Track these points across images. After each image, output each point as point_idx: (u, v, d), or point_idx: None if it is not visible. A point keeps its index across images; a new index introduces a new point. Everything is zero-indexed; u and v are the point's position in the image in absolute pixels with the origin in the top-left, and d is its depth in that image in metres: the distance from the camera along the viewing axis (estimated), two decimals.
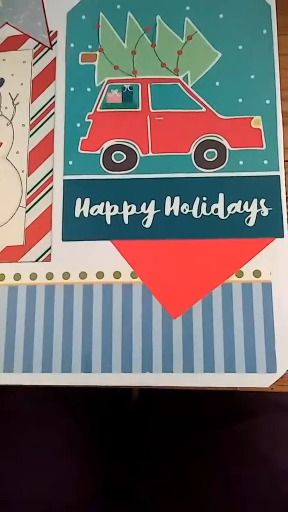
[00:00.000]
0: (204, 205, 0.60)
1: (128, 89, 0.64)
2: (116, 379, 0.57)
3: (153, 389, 0.56)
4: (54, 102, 0.64)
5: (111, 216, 0.60)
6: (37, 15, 0.67)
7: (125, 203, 0.61)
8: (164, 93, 0.63)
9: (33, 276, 0.60)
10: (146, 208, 0.60)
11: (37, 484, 0.59)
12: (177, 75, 0.64)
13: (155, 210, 0.60)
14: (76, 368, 0.57)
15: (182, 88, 0.63)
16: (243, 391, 0.56)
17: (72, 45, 0.66)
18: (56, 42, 0.66)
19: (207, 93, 0.63)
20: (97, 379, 0.57)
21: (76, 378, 0.57)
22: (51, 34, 0.66)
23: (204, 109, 0.63)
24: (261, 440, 0.58)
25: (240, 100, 0.63)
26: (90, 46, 0.65)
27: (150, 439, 0.58)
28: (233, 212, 0.60)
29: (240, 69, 0.63)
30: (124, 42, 0.65)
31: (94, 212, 0.61)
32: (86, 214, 0.61)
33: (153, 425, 0.58)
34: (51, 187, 0.62)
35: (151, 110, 0.63)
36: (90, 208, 0.61)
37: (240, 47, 0.64)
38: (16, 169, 0.63)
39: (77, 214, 0.61)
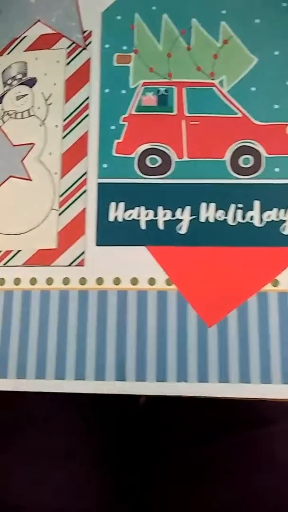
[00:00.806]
0: (239, 212, 0.55)
1: (163, 92, 0.59)
2: (150, 388, 0.52)
3: (186, 398, 0.52)
4: (88, 103, 0.59)
5: (146, 221, 0.56)
6: (71, 14, 0.61)
7: (160, 208, 0.56)
8: (199, 97, 0.58)
9: (66, 281, 0.55)
10: (181, 214, 0.56)
11: (49, 490, 0.55)
12: (213, 79, 0.59)
13: (190, 216, 0.55)
14: (110, 376, 0.53)
15: (218, 93, 0.58)
16: (274, 401, 0.52)
17: (107, 45, 0.60)
18: (90, 42, 0.60)
19: (243, 98, 0.58)
20: (131, 387, 0.52)
21: (110, 386, 0.52)
22: (85, 34, 0.61)
23: (239, 115, 0.58)
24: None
25: (276, 106, 0.58)
26: (125, 48, 0.60)
27: (178, 448, 0.54)
28: (269, 219, 0.55)
29: (276, 74, 0.58)
30: (159, 44, 0.60)
31: (129, 216, 0.56)
32: (120, 219, 0.56)
33: (183, 434, 0.54)
34: (85, 190, 0.57)
35: (186, 114, 0.58)
36: (124, 212, 0.56)
37: (277, 52, 0.59)
38: (48, 171, 0.58)
39: (111, 219, 0.56)
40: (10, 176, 0.58)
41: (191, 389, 0.52)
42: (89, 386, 0.53)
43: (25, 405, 0.55)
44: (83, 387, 0.53)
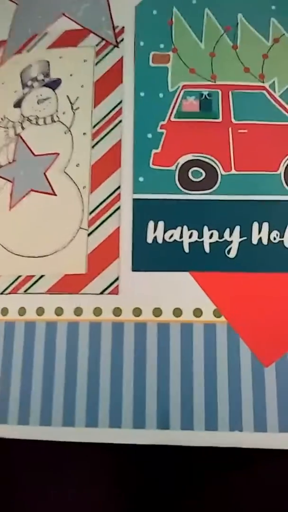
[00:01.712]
0: None
1: (207, 96, 0.53)
2: (199, 438, 0.46)
3: (242, 450, 0.45)
4: (121, 108, 0.53)
5: (190, 243, 0.49)
6: (100, 7, 0.55)
7: (206, 228, 0.50)
8: (248, 102, 0.52)
9: (98, 311, 0.49)
10: (230, 235, 0.49)
11: None
12: (263, 82, 0.53)
13: (240, 237, 0.49)
14: (151, 424, 0.46)
15: (269, 97, 0.52)
16: None
17: (141, 43, 0.54)
18: (122, 39, 0.55)
19: None
20: (175, 437, 0.46)
21: (151, 436, 0.46)
22: (117, 30, 0.55)
23: None
24: None
25: None
26: (162, 46, 0.54)
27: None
28: None
29: None
30: (201, 42, 0.54)
31: (170, 238, 0.50)
32: (160, 240, 0.49)
33: (254, 488, 0.47)
34: (119, 207, 0.51)
35: (234, 121, 0.52)
36: (165, 233, 0.50)
37: None
38: (76, 185, 0.52)
39: (149, 240, 0.50)
40: (32, 190, 0.51)
41: (246, 439, 0.45)
42: (125, 436, 0.46)
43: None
44: (118, 436, 0.46)
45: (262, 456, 0.45)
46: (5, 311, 0.50)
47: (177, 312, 0.48)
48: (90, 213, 0.51)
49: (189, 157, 0.51)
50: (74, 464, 0.47)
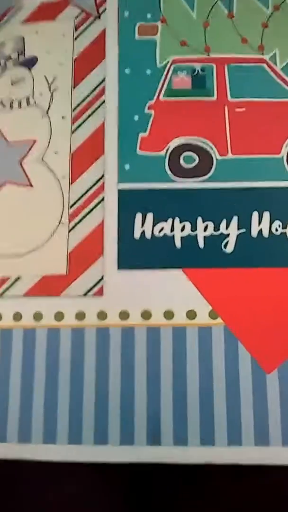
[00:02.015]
0: None
1: (200, 71, 0.48)
2: (193, 454, 0.42)
3: (242, 466, 0.41)
4: (104, 87, 0.49)
5: (182, 238, 0.45)
6: None
7: (200, 220, 0.45)
8: (246, 77, 0.48)
9: (80, 315, 0.45)
10: (227, 227, 0.45)
11: None
12: (262, 54, 0.48)
13: (238, 229, 0.45)
14: (140, 440, 0.42)
15: (269, 71, 0.48)
16: None
17: (126, 14, 0.50)
18: (105, 9, 0.51)
19: None
20: (167, 453, 0.42)
21: (140, 453, 0.42)
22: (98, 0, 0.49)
23: None
24: None
25: None
26: (149, 16, 0.50)
27: None
28: None
29: None
30: (193, 11, 0.50)
31: (160, 232, 0.45)
32: (148, 235, 0.45)
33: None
34: (102, 199, 0.46)
35: (230, 99, 0.48)
36: (154, 226, 0.46)
37: None
38: (54, 174, 0.47)
39: (137, 235, 0.45)
40: (6, 182, 0.47)
41: (247, 454, 0.41)
42: (112, 452, 0.42)
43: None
44: (105, 453, 0.42)
45: (264, 472, 0.41)
46: None
47: (169, 314, 0.44)
48: (71, 206, 0.46)
49: (180, 140, 0.47)
50: (57, 487, 0.43)
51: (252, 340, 0.43)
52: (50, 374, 0.44)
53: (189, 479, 0.42)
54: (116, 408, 0.43)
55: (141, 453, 0.42)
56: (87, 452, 0.42)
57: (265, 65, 0.48)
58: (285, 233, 0.45)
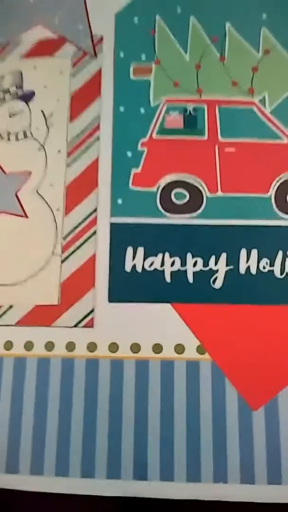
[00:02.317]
0: None
1: (191, 111, 0.49)
2: (180, 490, 0.42)
3: (228, 503, 0.41)
4: (99, 123, 0.50)
5: (172, 272, 0.46)
6: (77, 15, 0.52)
7: (189, 255, 0.46)
8: (236, 119, 0.49)
9: (70, 346, 0.45)
10: (216, 263, 0.46)
11: None
12: (252, 96, 0.50)
13: (226, 266, 0.46)
14: (127, 474, 0.42)
15: (258, 113, 0.49)
16: None
17: (121, 54, 0.51)
18: (101, 49, 0.51)
19: None
20: (154, 489, 0.42)
21: (127, 487, 0.42)
22: (95, 40, 0.52)
23: (285, 140, 0.49)
24: None
25: None
26: (144, 57, 0.51)
27: None
28: None
29: None
30: (186, 53, 0.51)
31: (150, 266, 0.46)
32: (139, 269, 0.46)
33: None
34: (95, 232, 0.47)
35: (220, 139, 0.49)
36: (144, 260, 0.46)
37: None
38: (49, 206, 0.48)
39: (128, 268, 0.46)
40: (1, 212, 0.47)
41: (233, 491, 0.41)
42: (98, 487, 0.42)
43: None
44: (90, 487, 0.42)
45: (250, 509, 0.41)
46: None
47: (157, 348, 0.44)
48: (64, 237, 0.47)
49: (172, 177, 0.48)
50: None
51: (239, 376, 0.44)
52: (39, 404, 0.44)
53: None
54: (104, 441, 0.43)
55: (127, 487, 0.42)
56: (74, 485, 0.42)
57: (254, 108, 0.49)
58: (273, 270, 0.46)
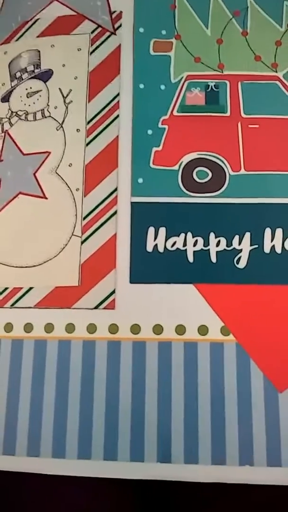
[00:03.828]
0: None
1: (213, 87, 0.49)
2: (204, 472, 0.42)
3: (254, 486, 0.42)
4: (118, 102, 0.50)
5: (194, 252, 0.46)
6: None
7: (212, 235, 0.46)
8: (259, 94, 0.50)
9: (92, 328, 0.45)
10: (240, 243, 0.46)
11: None
12: (276, 71, 0.50)
13: (251, 245, 0.46)
14: (151, 457, 0.43)
15: (282, 88, 0.49)
16: None
17: (141, 30, 0.52)
18: (120, 25, 0.52)
19: None
20: (178, 471, 0.42)
21: (151, 470, 0.42)
22: (114, 16, 0.52)
23: None
24: None
25: None
26: (164, 32, 0.51)
27: None
28: None
29: None
30: (207, 28, 0.51)
31: (172, 246, 0.46)
32: (161, 249, 0.46)
33: None
34: (115, 212, 0.47)
35: (243, 115, 0.49)
36: (166, 240, 0.46)
37: None
38: (68, 187, 0.48)
39: (149, 248, 0.46)
40: (20, 193, 0.48)
41: (259, 474, 0.41)
42: (121, 469, 0.42)
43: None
44: (113, 470, 0.42)
45: (276, 493, 0.41)
46: None
47: (180, 329, 0.45)
48: (84, 218, 0.47)
49: (193, 155, 0.48)
50: (66, 501, 0.43)
51: (264, 357, 0.44)
52: (60, 386, 0.45)
53: (199, 497, 0.43)
54: (126, 423, 0.44)
55: (150, 470, 0.43)
56: (97, 467, 0.43)
57: (278, 83, 0.49)
58: None
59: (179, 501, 0.43)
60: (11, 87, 0.52)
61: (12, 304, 0.47)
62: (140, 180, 0.48)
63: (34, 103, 0.51)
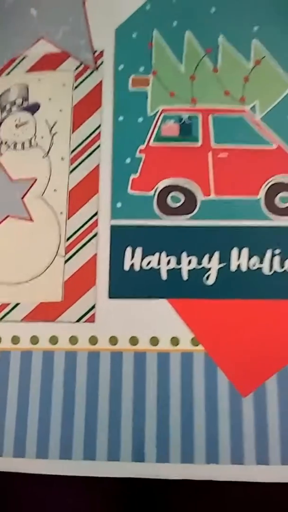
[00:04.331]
0: (277, 259, 0.51)
1: (186, 120, 0.55)
2: (174, 470, 0.47)
3: (219, 483, 0.47)
4: (99, 133, 0.55)
5: (168, 270, 0.51)
6: (79, 30, 0.58)
7: (184, 254, 0.51)
8: (228, 126, 0.54)
9: (73, 340, 0.50)
10: (209, 262, 0.51)
11: None
12: (243, 105, 0.55)
13: (219, 264, 0.51)
14: (126, 456, 0.47)
15: (249, 121, 0.54)
16: None
17: (121, 67, 0.57)
18: (102, 62, 0.57)
19: (278, 127, 0.54)
20: (151, 470, 0.47)
21: (126, 469, 0.47)
22: (96, 54, 0.57)
23: (274, 146, 0.54)
24: None
25: None
26: (142, 69, 0.56)
27: None
28: None
29: None
30: (181, 65, 0.56)
31: (147, 264, 0.51)
32: (137, 267, 0.51)
33: None
34: (96, 234, 0.52)
35: (213, 145, 0.54)
36: (142, 259, 0.51)
37: None
38: (53, 211, 0.54)
39: (126, 267, 0.51)
40: (9, 216, 0.53)
41: (224, 471, 0.46)
42: (99, 468, 0.47)
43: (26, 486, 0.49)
44: (92, 469, 0.47)
45: (239, 489, 0.46)
46: None
47: (154, 340, 0.49)
48: (67, 239, 0.52)
49: (168, 182, 0.53)
50: (48, 498, 0.48)
51: (230, 366, 0.49)
52: (44, 394, 0.49)
53: (170, 493, 0.48)
54: (104, 426, 0.48)
55: (126, 469, 0.47)
56: (76, 467, 0.48)
57: (246, 116, 0.55)
58: (262, 268, 0.51)
59: (152, 497, 0.48)
60: (1, 118, 0.57)
61: (1, 318, 0.52)
62: (119, 205, 0.53)
63: (22, 133, 0.56)
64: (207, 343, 0.49)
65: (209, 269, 0.51)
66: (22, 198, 0.54)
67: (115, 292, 0.51)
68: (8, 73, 0.58)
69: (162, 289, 0.51)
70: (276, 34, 0.56)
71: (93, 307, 0.50)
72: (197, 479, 0.47)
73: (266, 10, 0.56)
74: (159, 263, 0.51)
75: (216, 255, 0.51)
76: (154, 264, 0.51)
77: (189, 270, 0.51)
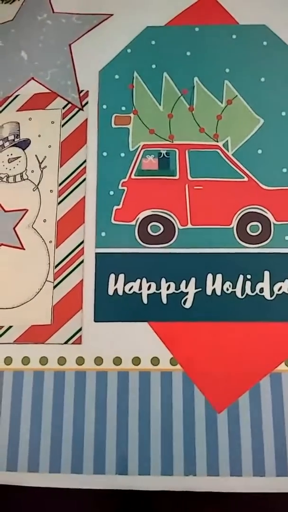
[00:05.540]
0: (248, 283, 0.53)
1: (165, 155, 0.57)
2: (155, 482, 0.49)
3: (196, 493, 0.49)
4: (85, 167, 0.57)
5: (148, 295, 0.53)
6: (66, 72, 0.60)
7: (163, 280, 0.54)
8: (203, 160, 0.57)
9: (62, 360, 0.52)
10: (186, 287, 0.53)
11: None
12: (217, 141, 0.57)
13: (195, 288, 0.53)
14: (110, 470, 0.49)
15: (222, 155, 0.57)
16: None
17: (104, 106, 0.59)
18: (87, 102, 0.59)
19: (249, 162, 0.57)
20: (133, 481, 0.49)
21: (110, 481, 0.49)
22: (81, 94, 0.60)
23: (246, 179, 0.56)
24: None
25: (285, 170, 0.57)
26: (123, 108, 0.59)
27: None
28: (280, 292, 0.53)
29: (283, 136, 0.58)
30: (160, 104, 0.59)
31: (130, 290, 0.53)
32: (120, 292, 0.53)
33: None
34: (82, 261, 0.55)
35: (190, 178, 0.56)
36: (125, 285, 0.54)
37: (284, 113, 0.58)
38: (43, 239, 0.56)
39: (110, 292, 0.53)
40: (2, 244, 0.56)
41: (201, 483, 0.48)
42: (86, 481, 0.49)
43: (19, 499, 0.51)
44: (79, 481, 0.49)
45: (215, 499, 0.48)
46: None
47: (136, 360, 0.51)
48: (56, 266, 0.55)
49: (148, 212, 0.55)
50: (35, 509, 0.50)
51: (205, 384, 0.51)
52: (35, 411, 0.51)
53: (151, 504, 0.50)
54: (90, 441, 0.50)
55: (110, 481, 0.49)
56: (64, 480, 0.50)
57: (219, 151, 0.57)
58: (235, 292, 0.54)
59: (133, 508, 0.50)
60: None
61: None
62: (103, 234, 0.55)
63: (14, 167, 0.58)
64: (185, 363, 0.51)
65: (187, 293, 0.53)
66: (14, 228, 0.56)
67: (100, 316, 0.53)
68: (1, 112, 0.60)
69: (143, 313, 0.53)
70: (246, 75, 0.59)
71: (80, 329, 0.52)
72: (176, 490, 0.48)
73: (236, 54, 0.59)
74: (140, 288, 0.53)
75: (193, 280, 0.53)
76: (136, 289, 0.53)
77: (168, 295, 0.53)
